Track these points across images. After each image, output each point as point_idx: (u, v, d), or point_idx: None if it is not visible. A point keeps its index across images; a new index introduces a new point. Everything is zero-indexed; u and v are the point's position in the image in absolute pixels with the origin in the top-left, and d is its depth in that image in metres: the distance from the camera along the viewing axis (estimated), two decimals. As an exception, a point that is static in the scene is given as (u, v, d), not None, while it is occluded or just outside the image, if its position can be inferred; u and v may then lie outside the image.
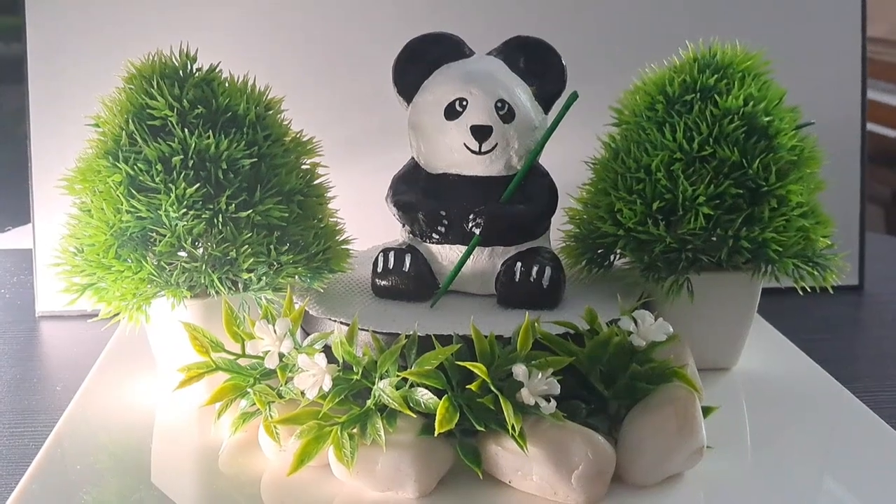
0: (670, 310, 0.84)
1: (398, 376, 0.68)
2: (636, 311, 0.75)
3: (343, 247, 0.85)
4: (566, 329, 0.76)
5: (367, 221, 0.96)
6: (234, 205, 0.76)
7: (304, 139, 0.85)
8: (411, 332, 0.73)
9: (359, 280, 0.90)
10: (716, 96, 0.82)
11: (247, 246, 0.76)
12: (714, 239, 0.82)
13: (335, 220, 0.86)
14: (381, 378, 0.69)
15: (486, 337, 0.70)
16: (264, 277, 0.78)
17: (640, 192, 0.83)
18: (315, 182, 0.85)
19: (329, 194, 0.87)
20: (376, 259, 0.85)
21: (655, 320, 0.74)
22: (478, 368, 0.67)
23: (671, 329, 0.74)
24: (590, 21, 1.12)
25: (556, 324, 0.76)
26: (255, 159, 0.77)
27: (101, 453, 0.76)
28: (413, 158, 0.87)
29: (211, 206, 0.76)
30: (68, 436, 0.79)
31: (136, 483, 0.72)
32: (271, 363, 0.71)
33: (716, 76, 0.83)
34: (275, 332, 0.71)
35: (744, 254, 0.81)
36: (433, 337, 0.73)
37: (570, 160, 0.95)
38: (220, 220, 0.76)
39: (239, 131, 0.78)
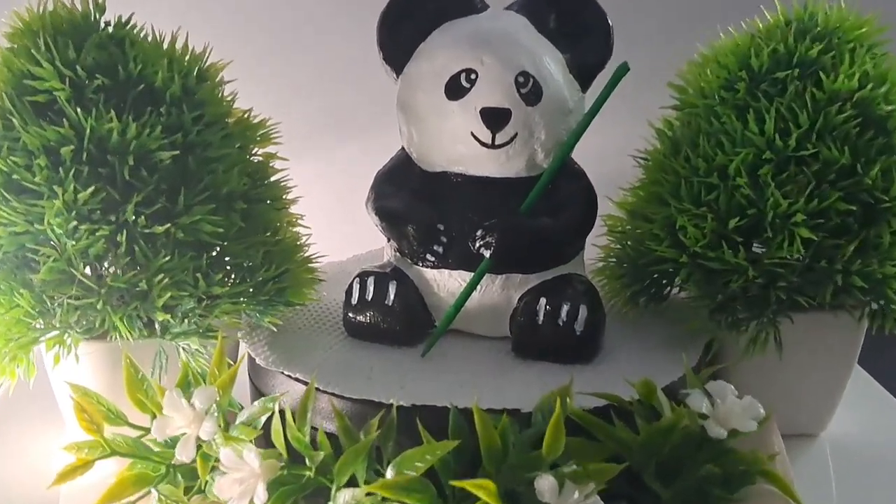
0: (742, 360, 0.62)
1: (367, 489, 0.46)
2: (712, 384, 0.53)
3: (306, 269, 0.63)
4: (608, 401, 0.54)
5: (345, 224, 0.74)
6: (146, 215, 0.54)
7: (255, 120, 0.62)
8: (390, 406, 0.51)
9: (329, 309, 0.68)
10: (820, 73, 0.59)
11: (164, 274, 0.54)
12: (815, 272, 0.59)
13: (296, 230, 0.64)
14: (340, 488, 0.47)
15: (495, 420, 0.48)
16: (188, 317, 0.56)
17: (712, 203, 0.60)
18: (268, 180, 0.62)
19: (289, 195, 0.65)
20: (350, 287, 0.63)
21: (741, 397, 0.52)
22: (483, 489, 0.44)
23: (762, 411, 0.52)
24: None
25: (596, 396, 0.54)
26: (179, 151, 0.55)
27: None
28: (403, 149, 0.65)
29: (114, 218, 0.54)
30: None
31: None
32: (185, 454, 0.49)
33: (818, 46, 0.60)
34: (192, 406, 0.49)
35: (855, 294, 0.59)
36: (420, 410, 0.52)
37: (611, 150, 0.73)
38: (127, 236, 0.54)
39: (156, 111, 0.55)
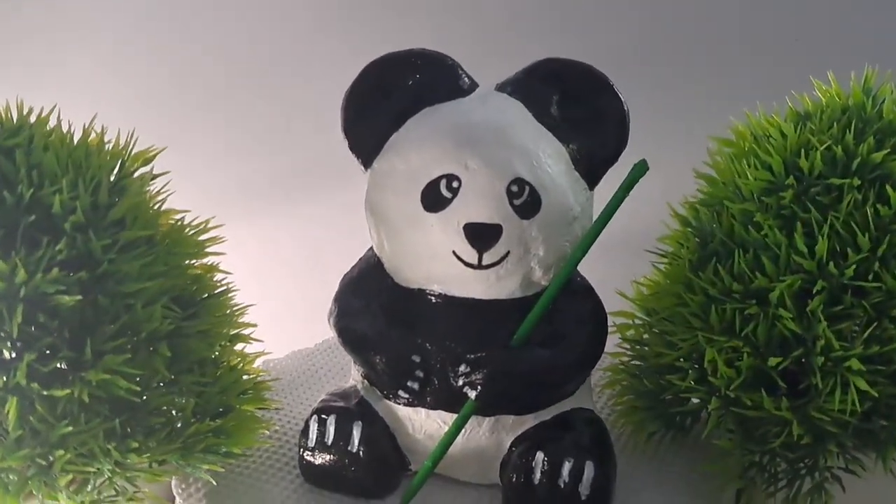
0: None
1: None
2: None
3: (255, 401, 0.52)
4: None
5: (311, 295, 0.64)
6: (43, 375, 0.43)
7: (192, 228, 0.51)
8: None
9: (286, 437, 0.57)
10: (886, 186, 0.48)
11: (65, 449, 0.43)
12: (871, 427, 0.48)
13: (242, 351, 0.53)
14: None
15: None
16: (101, 489, 0.45)
17: (750, 335, 0.49)
18: (207, 296, 0.51)
19: (236, 306, 0.53)
20: (307, 426, 0.52)
21: None
22: None
23: None
24: (654, 22, 0.75)
25: None
26: (81, 296, 0.44)
27: None
28: (374, 251, 0.53)
29: (3, 380, 0.43)
30: None
31: None
32: None
33: (884, 148, 0.49)
34: None
35: (918, 454, 0.48)
36: None
37: (621, 225, 0.61)
38: (17, 404, 0.43)
39: (53, 243, 0.44)
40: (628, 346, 0.58)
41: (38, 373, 0.44)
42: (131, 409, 0.47)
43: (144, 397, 0.47)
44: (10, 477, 0.45)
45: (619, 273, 0.60)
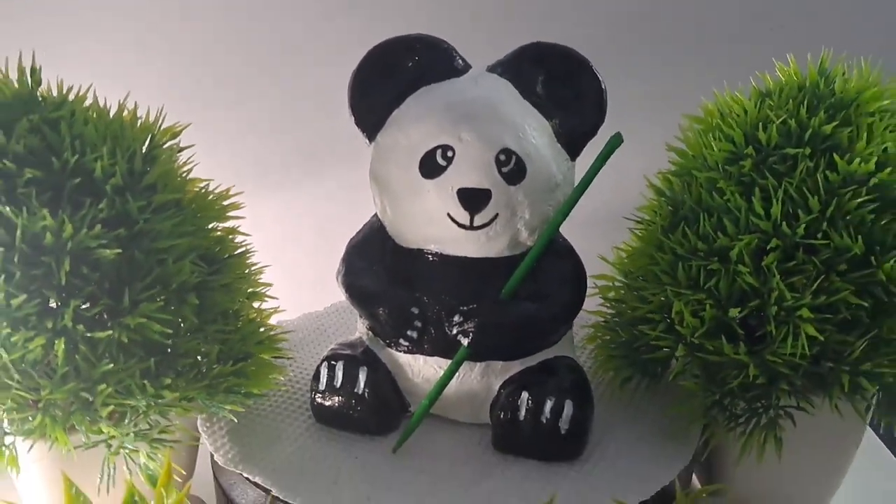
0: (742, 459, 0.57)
1: None
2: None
3: (270, 349, 0.59)
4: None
5: (321, 269, 0.70)
6: (87, 319, 0.49)
7: (214, 193, 0.57)
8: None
9: (299, 379, 0.64)
10: (834, 154, 0.54)
11: (105, 384, 0.49)
12: (820, 369, 0.54)
13: (260, 306, 0.59)
14: None
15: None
16: (137, 422, 0.51)
17: (712, 289, 0.55)
18: (229, 256, 0.57)
19: (254, 266, 0.59)
20: (318, 371, 0.58)
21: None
22: None
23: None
24: (632, 8, 0.80)
25: (577, 519, 0.49)
26: (121, 250, 0.50)
27: None
28: (377, 217, 0.59)
29: (51, 324, 0.49)
30: None
31: None
32: None
33: (834, 121, 0.54)
34: (135, 543, 0.45)
35: (865, 396, 0.54)
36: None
37: (602, 201, 0.67)
38: (66, 343, 0.49)
39: (95, 204, 0.50)
40: (608, 305, 0.64)
41: (82, 318, 0.50)
42: (164, 352, 0.53)
43: (175, 342, 0.53)
44: (57, 411, 0.51)
45: (602, 240, 0.65)
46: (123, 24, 0.73)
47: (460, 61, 0.58)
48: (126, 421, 0.52)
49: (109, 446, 0.52)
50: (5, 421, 0.52)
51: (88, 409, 0.51)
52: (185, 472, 0.58)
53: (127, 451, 0.52)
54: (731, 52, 0.70)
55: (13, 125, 0.50)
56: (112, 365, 0.50)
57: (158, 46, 0.74)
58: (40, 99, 0.52)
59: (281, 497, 0.52)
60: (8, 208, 0.49)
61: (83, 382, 0.50)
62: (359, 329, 0.62)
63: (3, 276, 0.48)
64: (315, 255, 0.79)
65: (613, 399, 0.62)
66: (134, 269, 0.51)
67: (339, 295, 0.72)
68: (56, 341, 0.49)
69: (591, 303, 0.63)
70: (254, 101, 0.80)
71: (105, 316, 0.51)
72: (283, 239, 0.69)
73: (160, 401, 0.52)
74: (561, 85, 0.57)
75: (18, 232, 0.49)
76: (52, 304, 0.50)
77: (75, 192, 0.50)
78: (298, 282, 0.74)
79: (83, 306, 0.50)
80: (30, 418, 0.51)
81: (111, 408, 0.50)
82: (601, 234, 0.66)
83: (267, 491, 0.53)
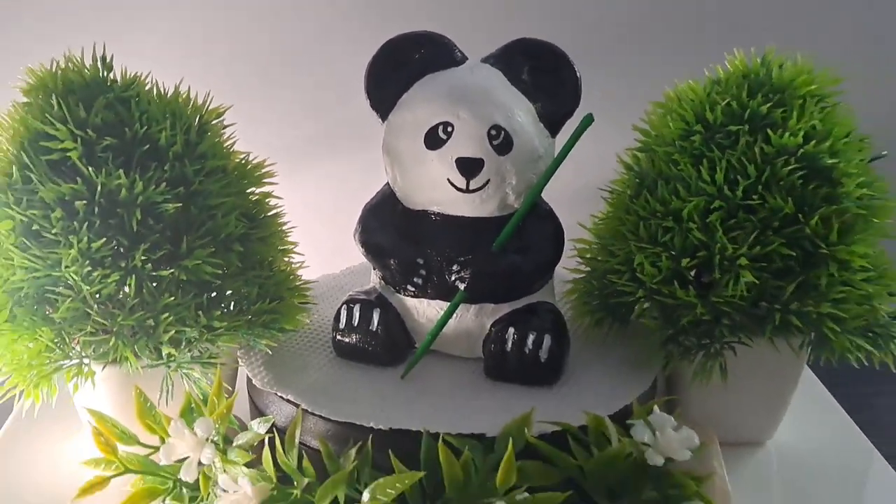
0: (694, 385, 0.68)
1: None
2: (654, 415, 0.59)
3: (299, 295, 0.70)
4: (565, 429, 0.60)
5: (338, 238, 0.81)
6: (152, 260, 0.61)
7: (252, 163, 0.68)
8: (371, 428, 0.58)
9: (321, 323, 0.75)
10: (768, 130, 0.65)
11: (168, 312, 0.61)
12: (757, 310, 0.65)
13: (289, 260, 0.70)
14: (322, 512, 0.54)
15: (459, 447, 0.55)
16: (192, 347, 0.62)
17: (668, 243, 0.66)
18: (265, 216, 0.69)
19: (285, 221, 0.71)
20: (339, 312, 0.69)
21: (678, 428, 0.59)
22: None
23: (696, 441, 0.59)
24: (610, 12, 0.93)
25: (552, 424, 0.60)
26: (181, 202, 0.61)
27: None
28: (389, 185, 0.71)
29: (123, 264, 0.60)
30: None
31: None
32: (188, 475, 0.56)
33: (770, 102, 0.66)
34: (194, 434, 0.56)
35: (794, 332, 0.65)
36: (396, 434, 0.59)
37: (585, 177, 0.78)
38: (135, 279, 0.60)
39: (160, 167, 0.61)
40: (585, 264, 0.75)
41: (148, 259, 0.61)
42: (213, 291, 0.64)
43: (222, 283, 0.64)
44: (126, 336, 0.62)
45: (581, 209, 0.76)
46: (172, 22, 0.85)
47: (459, 54, 0.69)
48: (182, 347, 0.63)
49: (169, 366, 0.63)
50: (79, 346, 0.63)
51: (152, 336, 0.62)
52: (230, 388, 0.69)
53: (184, 370, 0.63)
54: (694, 49, 0.81)
55: (91, 103, 0.62)
56: (172, 299, 0.61)
57: (202, 43, 0.86)
58: (111, 83, 0.64)
59: (310, 410, 0.63)
60: (90, 169, 0.60)
61: (148, 312, 0.61)
62: (372, 280, 0.73)
63: (85, 224, 0.60)
64: (332, 226, 0.89)
65: (588, 340, 0.73)
66: (189, 221, 0.63)
67: (352, 260, 0.83)
68: (127, 278, 0.61)
69: (571, 263, 0.74)
70: (282, 91, 0.92)
71: (166, 259, 0.62)
72: (305, 211, 0.79)
73: (210, 330, 0.63)
74: (543, 74, 0.68)
75: (98, 189, 0.60)
76: (124, 249, 0.61)
77: (143, 157, 0.62)
78: (317, 248, 0.84)
79: (149, 250, 0.61)
80: (103, 343, 0.62)
81: (171, 334, 0.61)
82: (581, 205, 0.76)
83: (297, 406, 0.64)
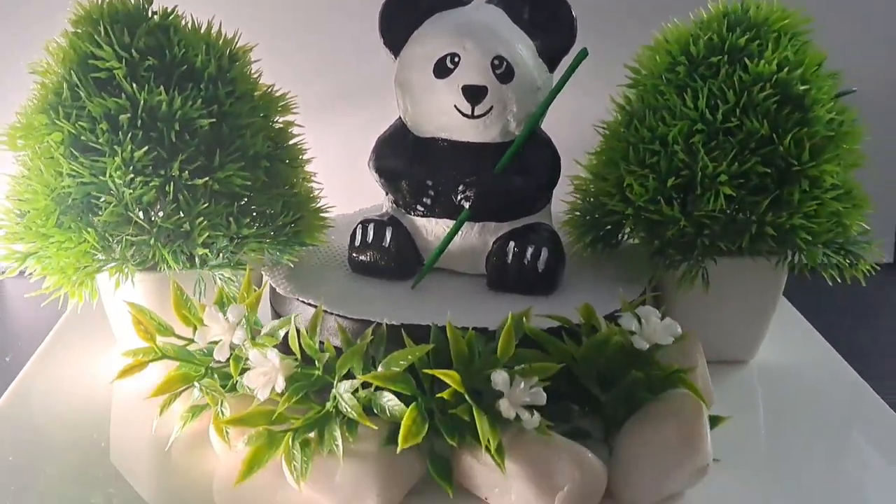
0: (683, 297, 0.75)
1: (361, 378, 0.60)
2: (640, 308, 0.65)
3: (318, 216, 0.76)
4: (561, 324, 0.67)
5: (353, 185, 0.87)
6: (188, 171, 0.67)
7: (276, 94, 0.75)
8: (381, 323, 0.64)
9: (337, 252, 0.81)
10: (745, 59, 0.72)
11: (203, 217, 0.68)
12: (735, 223, 0.72)
13: (310, 185, 0.77)
14: (341, 379, 0.60)
15: (464, 334, 0.61)
16: (223, 252, 0.69)
17: (654, 165, 0.73)
18: (287, 144, 0.75)
19: (307, 156, 0.78)
20: (354, 231, 0.76)
21: (662, 318, 0.65)
22: (449, 377, 0.58)
23: (679, 330, 0.65)
24: None
25: (548, 318, 0.67)
26: (215, 119, 0.68)
27: (57, 428, 0.71)
28: (400, 118, 0.77)
29: (163, 172, 0.67)
30: (15, 408, 0.73)
31: (95, 461, 0.66)
32: (221, 355, 0.63)
33: (747, 36, 0.73)
34: (226, 319, 0.63)
35: (768, 241, 0.72)
36: (408, 328, 0.65)
37: (581, 121, 0.85)
38: (173, 187, 0.67)
39: (196, 87, 0.68)
40: (579, 195, 0.81)
41: (185, 169, 0.68)
42: (242, 202, 0.71)
43: (251, 196, 0.71)
44: (163, 238, 0.69)
45: (577, 148, 0.83)
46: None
47: (465, -5, 0.76)
48: (214, 252, 0.70)
49: (202, 269, 0.69)
50: (117, 250, 0.69)
51: (187, 240, 0.68)
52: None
53: (216, 272, 0.69)
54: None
55: (134, 29, 0.69)
56: (206, 206, 0.68)
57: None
58: (151, 14, 0.71)
59: (328, 310, 0.70)
60: (133, 86, 0.67)
61: (184, 217, 0.68)
62: (385, 205, 0.79)
63: (129, 136, 0.67)
64: (345, 175, 0.95)
65: (583, 260, 0.79)
66: (221, 138, 0.70)
67: (364, 203, 0.90)
68: (166, 185, 0.67)
69: (569, 199, 0.81)
70: (298, 45, 0.99)
71: (200, 170, 0.68)
72: (320, 161, 0.85)
73: (240, 238, 0.69)
74: (541, 13, 0.75)
75: (140, 104, 0.67)
76: (163, 159, 0.68)
77: (181, 78, 0.69)
78: (331, 194, 0.90)
79: (185, 162, 0.68)
80: (143, 245, 0.68)
81: (204, 237, 0.68)
82: (577, 144, 0.83)
83: (317, 307, 0.70)
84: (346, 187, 0.90)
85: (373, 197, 0.86)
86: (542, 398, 0.59)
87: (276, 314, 0.75)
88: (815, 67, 0.73)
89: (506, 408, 0.58)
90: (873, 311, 0.97)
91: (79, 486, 0.63)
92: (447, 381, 0.58)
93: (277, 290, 0.74)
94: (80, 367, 0.78)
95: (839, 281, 0.75)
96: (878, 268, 0.77)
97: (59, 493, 0.63)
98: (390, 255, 0.75)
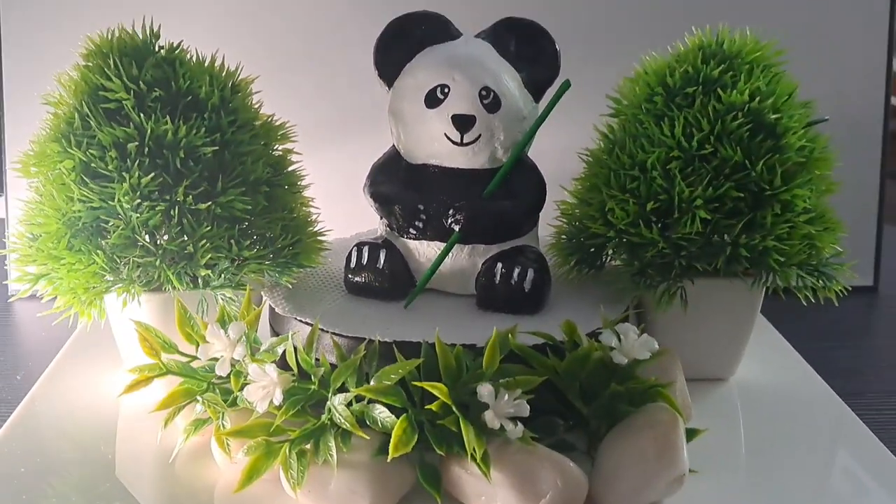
0: (663, 317, 0.79)
1: (354, 392, 0.63)
2: (619, 325, 0.69)
3: (315, 240, 0.80)
4: (545, 340, 0.70)
5: (349, 210, 0.91)
6: (192, 196, 0.71)
7: (276, 123, 0.79)
8: (375, 339, 0.68)
9: (334, 274, 0.85)
10: (719, 90, 0.76)
11: (205, 240, 0.71)
12: (711, 245, 0.76)
13: (308, 210, 0.81)
14: (335, 392, 0.64)
15: (452, 349, 0.65)
16: (224, 273, 0.73)
17: (634, 190, 0.77)
18: (286, 170, 0.79)
19: (304, 182, 0.82)
20: (350, 253, 0.80)
21: (640, 334, 0.69)
22: (437, 389, 0.62)
23: (656, 345, 0.69)
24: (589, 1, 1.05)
25: (533, 335, 0.70)
26: (217, 147, 0.72)
27: (64, 444, 0.74)
28: (394, 146, 0.81)
29: (168, 197, 0.71)
30: (24, 426, 0.76)
31: (102, 477, 0.69)
32: (222, 370, 0.66)
33: (721, 67, 0.77)
34: (227, 336, 0.66)
35: (742, 262, 0.75)
36: (400, 345, 0.68)
37: (567, 148, 0.89)
38: (178, 211, 0.71)
39: (200, 116, 0.72)
40: (564, 220, 0.85)
41: (189, 194, 0.72)
42: (243, 226, 0.74)
43: (251, 220, 0.74)
44: (167, 260, 0.72)
45: (565, 175, 0.86)
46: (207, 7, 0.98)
47: (454, 30, 0.81)
48: (215, 273, 0.73)
49: (204, 289, 0.73)
50: (124, 271, 0.73)
51: (191, 261, 0.72)
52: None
53: (217, 292, 0.73)
54: (662, 29, 0.92)
55: (142, 63, 0.73)
56: (209, 229, 0.72)
57: (236, 19, 0.99)
58: (158, 48, 0.75)
59: (324, 328, 0.73)
60: (141, 116, 0.71)
61: (188, 239, 0.72)
62: (379, 229, 0.83)
63: (136, 163, 0.70)
64: (339, 202, 0.99)
65: (568, 283, 0.83)
66: (224, 165, 0.73)
67: (358, 229, 0.93)
68: (171, 210, 0.71)
69: (556, 223, 0.85)
70: (297, 77, 1.04)
71: (204, 195, 0.72)
72: (317, 187, 0.89)
73: (240, 259, 0.73)
74: (526, 46, 0.79)
75: (147, 133, 0.71)
76: (168, 185, 0.72)
77: (186, 108, 0.73)
78: (328, 218, 0.94)
79: (189, 187, 0.72)
80: (149, 266, 0.72)
81: (208, 258, 0.72)
82: (563, 169, 0.87)
83: (313, 325, 0.74)
84: (343, 212, 0.94)
85: (368, 222, 0.90)
86: (526, 410, 0.63)
87: (275, 333, 0.78)
88: (786, 97, 0.77)
89: (490, 418, 0.62)
90: (853, 334, 1.01)
91: (86, 499, 0.66)
92: (435, 392, 0.61)
93: (276, 309, 0.77)
94: (88, 386, 0.82)
95: (813, 301, 0.79)
96: (850, 290, 0.81)
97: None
98: (384, 277, 0.79)
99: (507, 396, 0.62)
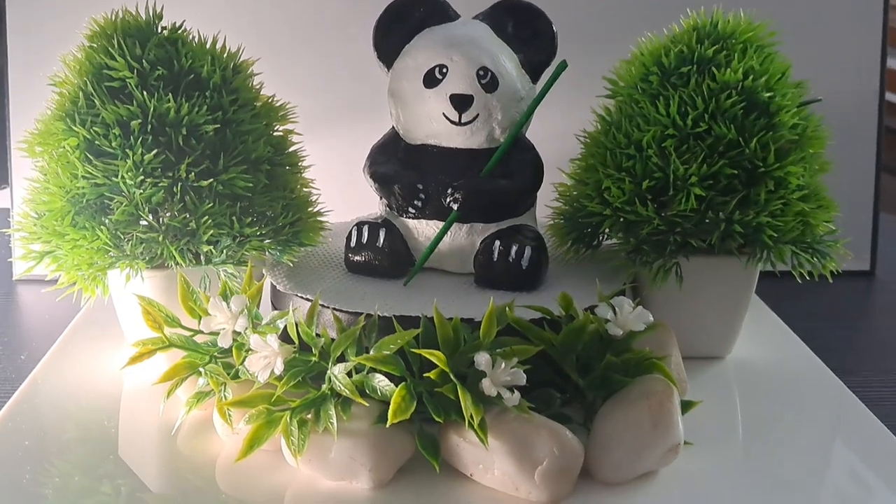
0: (659, 295, 0.80)
1: (354, 361, 0.64)
2: (614, 298, 0.70)
3: (315, 219, 0.81)
4: (542, 314, 0.71)
5: (349, 192, 0.92)
6: (195, 173, 0.72)
7: (277, 104, 0.80)
8: (374, 313, 0.69)
9: (334, 253, 0.86)
10: (714, 69, 0.77)
11: (207, 217, 0.72)
12: (706, 222, 0.77)
13: (308, 190, 0.82)
14: (335, 362, 0.65)
15: (450, 321, 0.66)
16: (226, 250, 0.74)
17: (630, 169, 0.78)
18: (287, 150, 0.80)
19: (305, 163, 0.83)
20: (350, 233, 0.81)
21: (635, 308, 0.70)
22: (435, 356, 0.63)
23: (651, 318, 0.70)
24: None
25: (529, 308, 0.71)
26: (219, 125, 0.73)
27: (67, 423, 0.74)
28: (393, 128, 0.83)
29: (170, 174, 0.72)
30: (28, 404, 0.77)
31: (104, 455, 0.70)
32: (225, 342, 0.67)
33: (715, 47, 0.78)
34: (230, 308, 0.68)
35: (737, 238, 0.76)
36: (399, 318, 0.69)
37: (565, 132, 0.90)
38: (180, 188, 0.72)
39: (202, 95, 0.74)
40: (563, 201, 0.86)
41: (191, 172, 0.73)
42: (245, 203, 0.75)
43: (252, 198, 0.75)
44: (170, 236, 0.73)
45: (562, 157, 0.88)
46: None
47: (453, 12, 0.82)
48: (218, 250, 0.74)
49: (206, 265, 0.74)
50: (128, 247, 0.74)
51: (194, 237, 0.73)
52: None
53: (220, 267, 0.74)
54: (658, 13, 0.92)
55: (145, 42, 0.74)
56: (211, 206, 0.73)
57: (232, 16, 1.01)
58: (161, 29, 0.76)
59: (325, 304, 0.74)
60: (144, 94, 0.72)
61: (191, 216, 0.73)
62: (379, 209, 0.84)
63: (140, 140, 0.72)
64: (341, 187, 1.00)
65: (565, 263, 0.84)
66: (226, 143, 0.75)
67: (360, 211, 0.94)
68: (173, 187, 0.72)
69: (553, 202, 0.86)
70: (300, 67, 1.05)
71: (206, 173, 0.73)
72: (317, 170, 0.90)
73: (242, 237, 0.74)
74: (523, 27, 0.80)
75: (150, 111, 0.72)
76: (171, 162, 0.73)
77: (188, 86, 0.74)
78: (328, 201, 0.95)
79: (191, 164, 0.73)
80: (152, 243, 0.73)
81: (210, 234, 0.73)
82: (562, 150, 0.88)
83: (311, 300, 0.75)
84: (343, 196, 0.95)
85: (369, 204, 0.90)
86: (522, 378, 0.64)
87: (276, 310, 0.79)
88: (780, 76, 0.78)
89: (487, 386, 0.63)
90: (850, 316, 1.02)
91: (89, 477, 0.67)
92: (433, 360, 0.62)
93: (278, 287, 0.79)
94: (92, 366, 0.83)
95: (808, 278, 0.80)
96: (846, 272, 0.82)
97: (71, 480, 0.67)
98: (384, 255, 0.80)
99: (503, 365, 0.64)
